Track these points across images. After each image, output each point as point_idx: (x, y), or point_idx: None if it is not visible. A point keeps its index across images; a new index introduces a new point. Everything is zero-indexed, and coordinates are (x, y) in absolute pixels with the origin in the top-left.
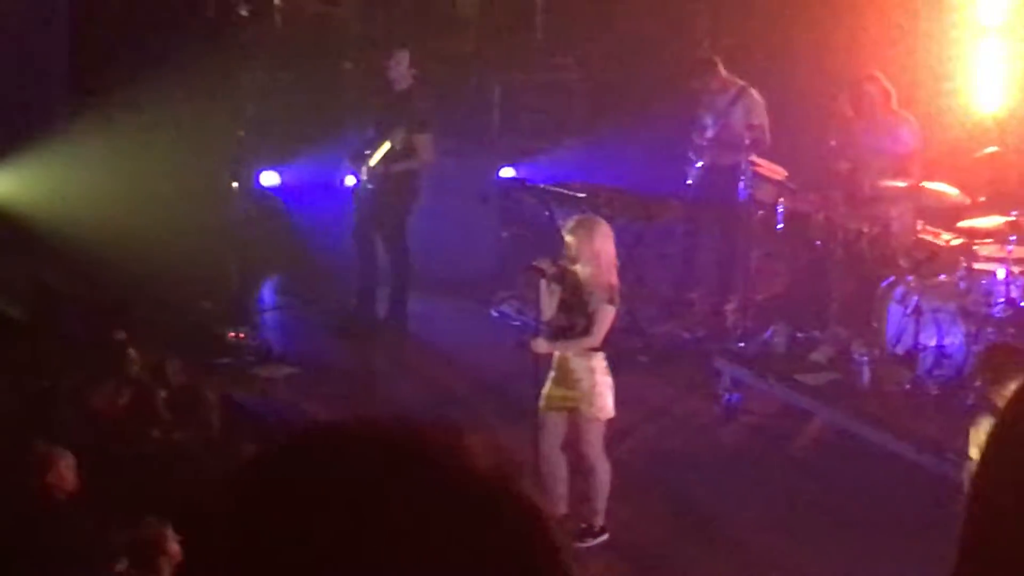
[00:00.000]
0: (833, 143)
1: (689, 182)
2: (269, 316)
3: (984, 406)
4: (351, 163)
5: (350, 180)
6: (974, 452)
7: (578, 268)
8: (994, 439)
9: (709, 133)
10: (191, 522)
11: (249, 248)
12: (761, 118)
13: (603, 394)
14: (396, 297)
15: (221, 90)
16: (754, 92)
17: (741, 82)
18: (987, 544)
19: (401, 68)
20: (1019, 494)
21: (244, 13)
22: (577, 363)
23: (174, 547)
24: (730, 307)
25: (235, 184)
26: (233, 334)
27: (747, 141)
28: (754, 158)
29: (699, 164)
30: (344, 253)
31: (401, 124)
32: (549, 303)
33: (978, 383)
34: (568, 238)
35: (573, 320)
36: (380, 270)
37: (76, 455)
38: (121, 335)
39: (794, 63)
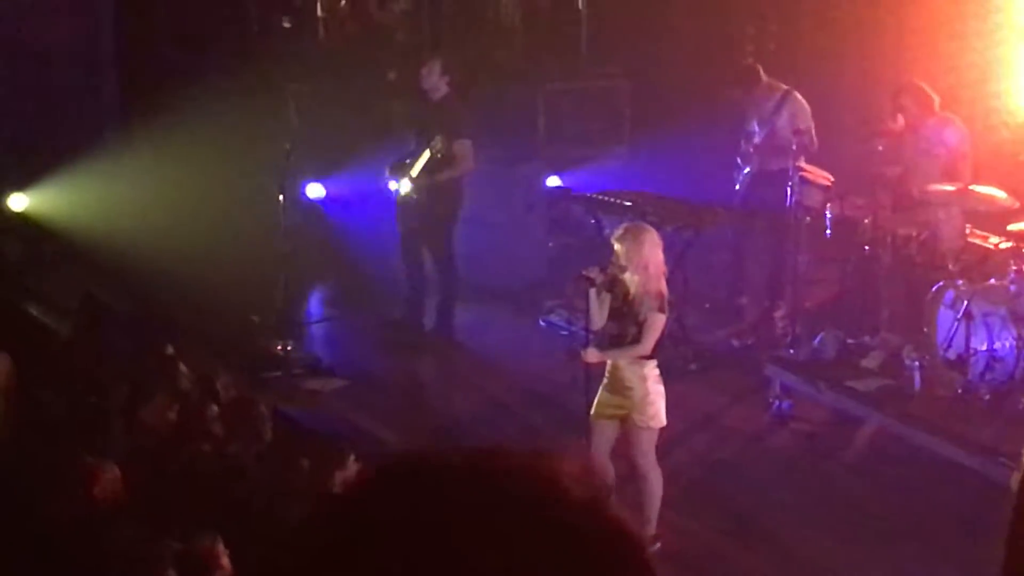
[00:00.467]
0: (880, 148)
1: (737, 188)
2: (317, 328)
3: None
4: (392, 173)
5: (393, 189)
6: None
7: (627, 276)
8: None
9: (756, 139)
10: (279, 561)
11: (296, 260)
12: (807, 122)
13: (655, 403)
14: (443, 307)
15: (266, 103)
16: (799, 96)
17: (785, 87)
18: None
19: (434, 77)
20: None
21: (287, 25)
22: (629, 371)
23: (225, 561)
24: (779, 314)
25: (281, 197)
26: (281, 347)
27: (794, 146)
28: (801, 163)
29: (747, 170)
30: (390, 264)
31: (439, 132)
32: (599, 312)
33: None
34: (617, 246)
35: (624, 328)
36: (427, 280)
37: (126, 470)
38: (170, 350)
39: (840, 67)
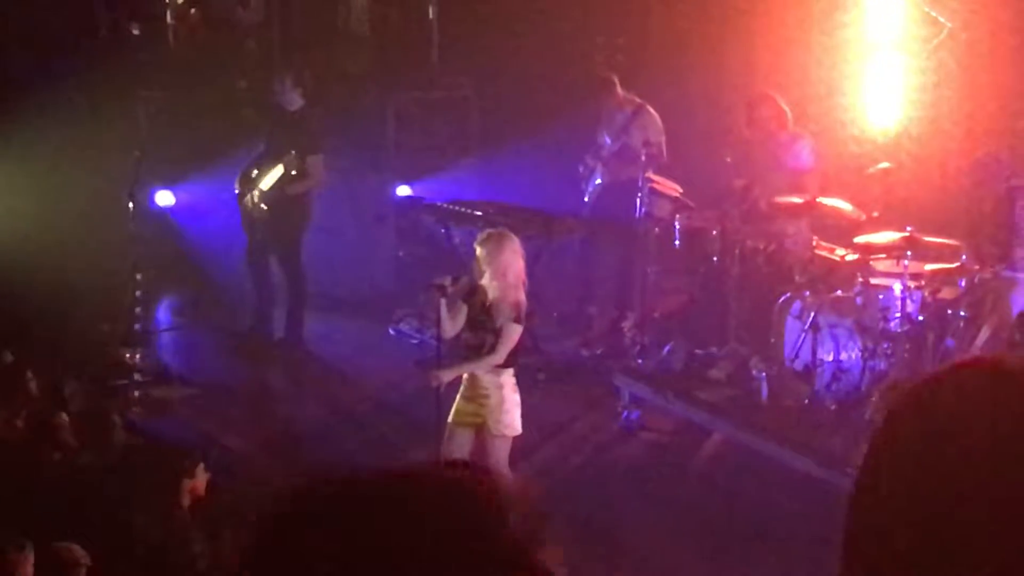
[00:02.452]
0: (729, 160)
1: (586, 199)
2: (166, 336)
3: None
4: (241, 183)
5: (242, 200)
6: None
7: (485, 282)
8: (873, 448)
9: (605, 151)
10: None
11: (145, 268)
12: (658, 136)
13: (511, 411)
14: (292, 316)
15: (116, 109)
16: (651, 110)
17: (638, 100)
18: (868, 548)
19: (286, 89)
20: (895, 500)
21: (136, 32)
22: (486, 379)
23: (82, 569)
24: (628, 324)
25: (131, 204)
26: (130, 355)
27: (643, 157)
28: (650, 175)
29: (597, 181)
30: (240, 272)
31: (292, 146)
32: (454, 321)
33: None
34: (479, 250)
35: (481, 337)
36: (275, 289)
37: None
38: (9, 357)
39: (689, 79)
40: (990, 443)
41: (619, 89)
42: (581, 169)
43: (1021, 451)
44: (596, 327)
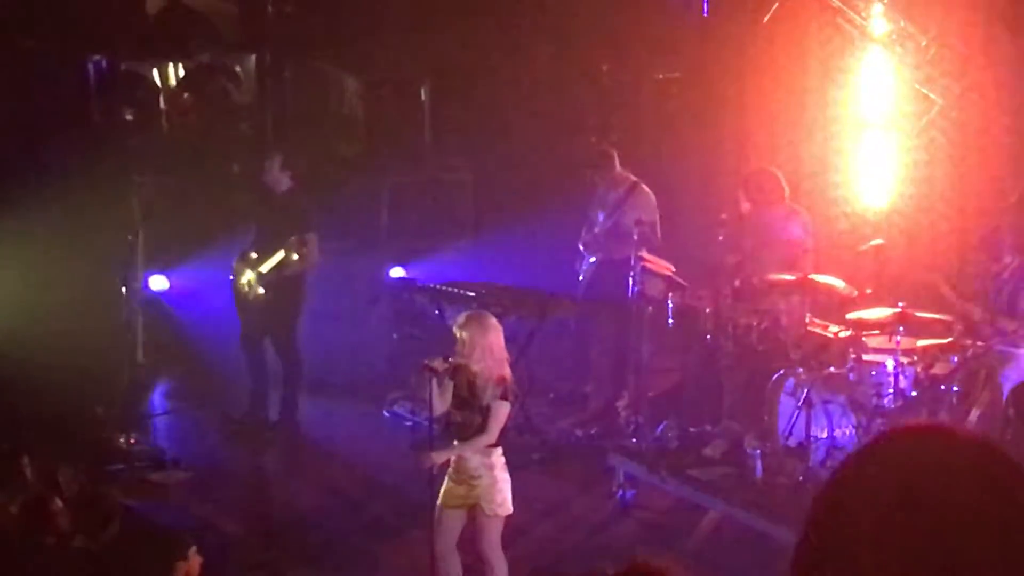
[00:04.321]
0: (721, 237)
1: (580, 278)
2: (161, 421)
3: None
4: (237, 267)
5: (239, 283)
6: None
7: (470, 364)
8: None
9: (598, 228)
10: None
11: (139, 353)
12: (651, 215)
13: (503, 490)
14: (288, 400)
15: (110, 195)
16: (645, 188)
17: (634, 178)
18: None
19: (275, 171)
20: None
21: (129, 117)
22: (475, 460)
23: None
24: (622, 403)
25: (124, 289)
26: (125, 439)
27: (635, 236)
28: (643, 254)
29: (591, 260)
30: (234, 356)
31: (287, 228)
32: (440, 398)
33: None
34: (459, 333)
35: (469, 417)
36: (271, 373)
37: None
38: (7, 445)
39: (681, 156)
40: (935, 502)
41: (617, 164)
42: (581, 247)
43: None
44: (591, 407)
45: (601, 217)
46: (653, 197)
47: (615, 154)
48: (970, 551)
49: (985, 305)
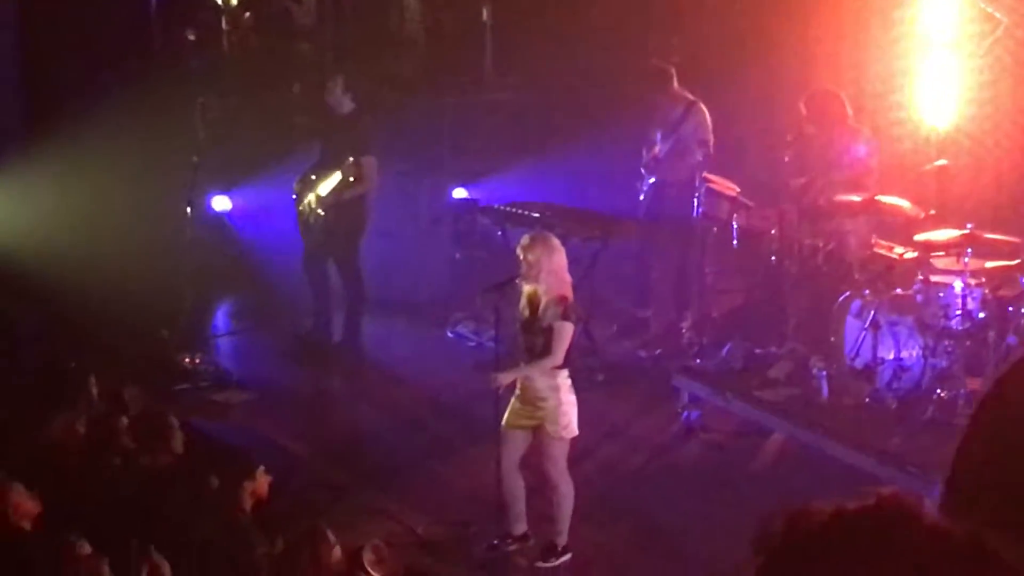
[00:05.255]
0: (787, 159)
1: (641, 198)
2: (225, 341)
3: None
4: (299, 188)
5: (299, 205)
6: None
7: (533, 286)
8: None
9: (659, 148)
10: None
11: (203, 273)
12: (708, 134)
13: (568, 413)
14: (350, 320)
15: (172, 116)
16: (703, 107)
17: (691, 97)
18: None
19: (337, 93)
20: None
21: (192, 38)
22: (541, 382)
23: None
24: (686, 324)
25: (188, 210)
26: (189, 360)
27: (700, 156)
28: (708, 174)
29: (651, 180)
30: (297, 276)
31: (347, 150)
32: (508, 323)
33: None
34: (522, 255)
35: (533, 339)
36: (333, 294)
37: (36, 486)
38: (74, 364)
39: (744, 77)
40: None
41: (675, 82)
42: (642, 169)
43: None
44: (654, 328)
45: (659, 137)
46: (709, 116)
47: (673, 72)
48: None
49: None
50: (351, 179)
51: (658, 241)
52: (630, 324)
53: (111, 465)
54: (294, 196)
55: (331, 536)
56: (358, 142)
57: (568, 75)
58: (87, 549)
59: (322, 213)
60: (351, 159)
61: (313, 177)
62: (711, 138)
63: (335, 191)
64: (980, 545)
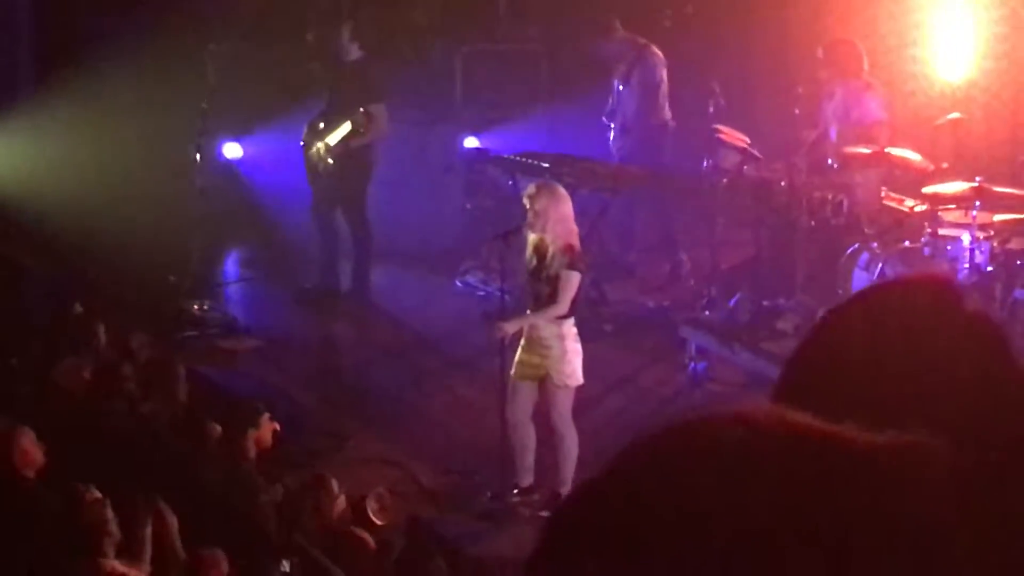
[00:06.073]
0: (797, 111)
1: (612, 148)
2: (233, 289)
3: None
4: (308, 136)
5: (308, 153)
6: None
7: (540, 234)
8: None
9: (616, 96)
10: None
11: (212, 221)
12: (662, 75)
13: (572, 361)
14: (358, 269)
15: (184, 63)
16: (656, 50)
17: (642, 40)
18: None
19: (343, 41)
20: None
21: None
22: (547, 330)
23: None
24: (685, 268)
25: (198, 157)
26: (197, 307)
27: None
28: (718, 126)
29: (614, 127)
30: (306, 225)
31: (356, 99)
32: (515, 272)
33: None
34: (528, 204)
35: (539, 288)
36: (341, 242)
37: (41, 431)
38: (79, 308)
39: (757, 30)
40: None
41: (620, 31)
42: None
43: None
44: (639, 274)
45: (617, 85)
46: (662, 58)
47: (617, 23)
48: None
49: None
50: (360, 128)
51: (669, 192)
52: (638, 273)
53: (115, 411)
54: (302, 144)
55: (335, 484)
56: (367, 90)
57: (581, 23)
58: (96, 494)
59: (331, 162)
60: (361, 108)
61: (321, 125)
62: (664, 78)
63: (344, 140)
64: None
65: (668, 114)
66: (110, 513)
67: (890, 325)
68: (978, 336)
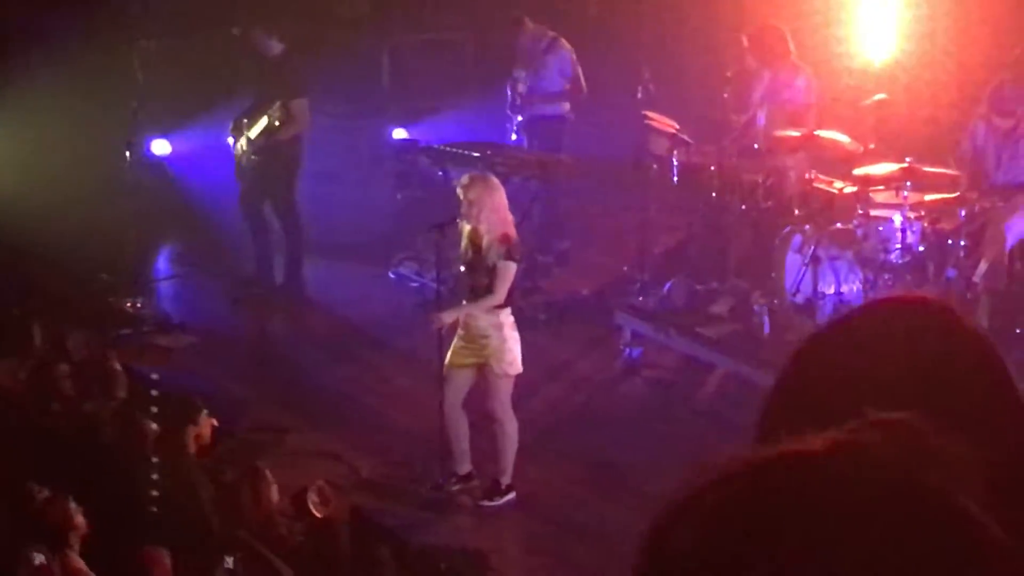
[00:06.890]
0: (726, 95)
1: (513, 137)
2: (166, 285)
3: None
4: (233, 132)
5: (233, 148)
6: None
7: (475, 225)
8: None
9: (522, 87)
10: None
11: (143, 218)
12: (574, 69)
13: (512, 349)
14: (291, 263)
15: (112, 60)
16: (564, 43)
17: (552, 33)
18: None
19: (262, 36)
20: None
21: None
22: (484, 320)
23: (80, 519)
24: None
25: (128, 154)
26: (131, 304)
27: (565, 90)
28: (647, 112)
29: (519, 119)
30: (239, 220)
31: (276, 93)
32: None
33: None
34: (462, 195)
35: (476, 278)
36: (273, 237)
37: None
38: (17, 311)
39: (684, 14)
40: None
41: (529, 25)
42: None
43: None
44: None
45: (523, 76)
46: (572, 51)
47: (526, 19)
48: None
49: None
50: (277, 123)
51: (596, 179)
52: (571, 262)
53: (50, 411)
54: (230, 140)
55: (269, 476)
56: (287, 85)
57: (507, 13)
58: (44, 493)
59: (253, 157)
60: (279, 102)
61: (245, 121)
62: (579, 71)
63: (263, 134)
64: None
65: (567, 107)
66: (73, 506)
67: (890, 348)
68: (986, 357)
